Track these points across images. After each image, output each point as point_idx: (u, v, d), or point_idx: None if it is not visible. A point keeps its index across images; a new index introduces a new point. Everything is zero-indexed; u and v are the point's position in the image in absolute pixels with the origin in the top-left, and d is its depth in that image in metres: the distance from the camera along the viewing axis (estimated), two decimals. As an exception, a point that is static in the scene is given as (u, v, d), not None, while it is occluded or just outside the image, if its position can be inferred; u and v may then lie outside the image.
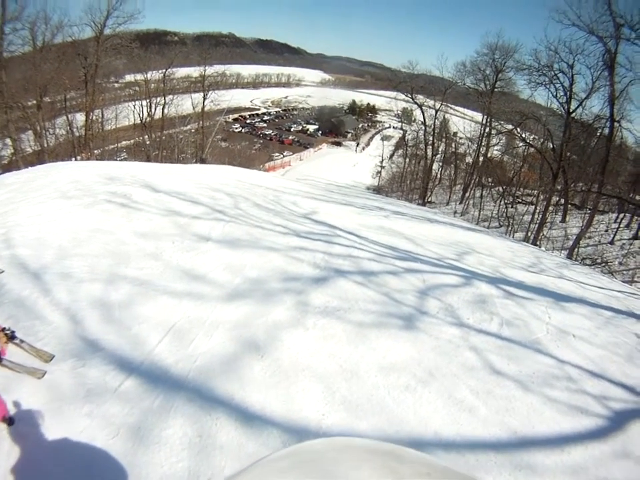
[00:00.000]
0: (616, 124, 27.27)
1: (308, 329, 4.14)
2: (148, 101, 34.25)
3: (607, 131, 28.26)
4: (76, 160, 23.02)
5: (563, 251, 21.39)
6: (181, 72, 40.74)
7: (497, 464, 3.01)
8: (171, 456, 2.60)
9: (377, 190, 40.69)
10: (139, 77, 35.80)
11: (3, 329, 3.06)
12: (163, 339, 3.62)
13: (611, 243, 24.47)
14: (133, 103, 35.07)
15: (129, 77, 40.14)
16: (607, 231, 25.96)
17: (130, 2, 31.24)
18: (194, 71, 41.22)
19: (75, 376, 3.02)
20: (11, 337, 3.08)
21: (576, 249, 21.93)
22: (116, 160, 26.66)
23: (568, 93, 28.66)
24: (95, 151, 30.07)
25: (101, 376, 3.07)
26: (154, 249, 5.20)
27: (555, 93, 29.44)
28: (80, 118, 30.25)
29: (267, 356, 3.65)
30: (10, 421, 2.54)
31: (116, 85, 41.94)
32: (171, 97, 35.13)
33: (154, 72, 35.19)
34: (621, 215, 26.51)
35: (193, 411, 2.96)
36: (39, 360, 3.08)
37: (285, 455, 0.68)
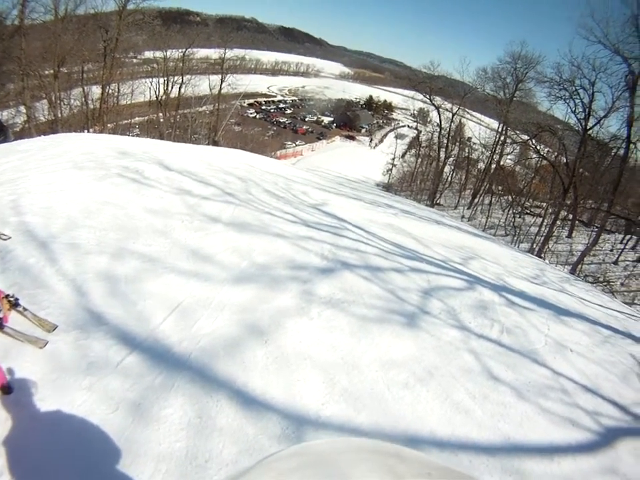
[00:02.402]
0: (632, 146, 27.14)
1: (312, 319, 4.15)
2: (165, 79, 34.22)
3: (622, 151, 28.15)
4: (89, 132, 23.02)
5: (566, 266, 21.35)
6: (201, 53, 40.64)
7: (489, 467, 3.04)
8: (170, 435, 2.59)
9: (387, 187, 40.65)
10: (158, 54, 35.73)
11: (7, 296, 3.03)
12: (168, 317, 3.60)
13: (615, 263, 24.40)
14: (150, 79, 34.97)
15: (148, 54, 39.84)
16: (611, 250, 25.88)
17: (155, -22, 31.07)
18: (214, 53, 41.03)
19: (77, 348, 2.99)
20: (15, 304, 3.05)
21: (579, 265, 21.91)
22: (128, 135, 26.63)
23: (587, 110, 28.53)
24: (109, 125, 30.07)
25: (104, 350, 3.04)
26: (163, 226, 5.17)
27: (573, 108, 29.35)
28: (96, 90, 30.21)
29: (270, 342, 3.66)
30: (8, 390, 2.51)
31: (134, 60, 41.66)
32: (188, 76, 35.15)
33: (173, 50, 35.15)
34: (627, 236, 26.43)
35: (194, 392, 2.94)
36: (42, 329, 3.04)
37: (292, 454, 0.68)
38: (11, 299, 3.04)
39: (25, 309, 3.10)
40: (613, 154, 30.45)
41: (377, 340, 4.10)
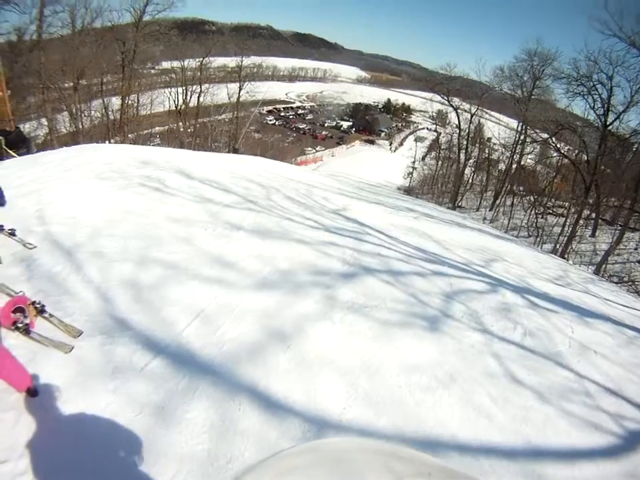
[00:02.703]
0: (653, 140, 26.57)
1: (335, 324, 4.19)
2: (184, 88, 34.70)
3: (643, 146, 27.59)
4: (110, 143, 23.44)
5: (590, 266, 20.98)
6: (218, 61, 41.09)
7: (509, 471, 3.03)
8: (192, 437, 2.65)
9: (408, 191, 40.43)
10: (176, 64, 36.24)
11: (33, 302, 3.13)
12: (192, 322, 3.67)
13: (640, 262, 23.86)
14: (169, 89, 35.54)
15: (166, 64, 40.44)
16: (636, 249, 25.29)
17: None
18: (230, 61, 41.37)
19: (102, 352, 3.06)
20: (41, 311, 3.15)
21: (604, 265, 21.50)
22: (149, 145, 27.05)
23: (606, 105, 27.96)
24: (129, 135, 30.60)
25: (128, 354, 3.11)
26: (186, 234, 5.28)
27: (592, 104, 28.76)
28: (115, 102, 30.89)
29: (293, 347, 3.71)
30: (34, 393, 2.57)
31: (152, 71, 42.36)
32: (206, 85, 35.54)
33: (191, 60, 35.59)
34: (653, 234, 25.84)
35: (217, 395, 3.00)
36: (67, 335, 3.11)
37: (305, 450, 0.70)
38: (37, 306, 3.15)
39: (51, 315, 3.20)
40: (634, 149, 29.83)
41: (398, 344, 4.13)
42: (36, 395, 2.59)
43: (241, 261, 4.97)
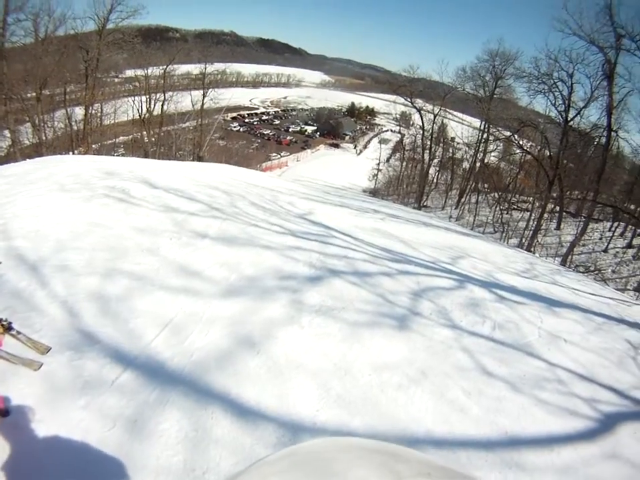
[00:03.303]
0: (613, 133, 27.58)
1: (303, 327, 4.17)
2: (147, 96, 34.18)
3: (604, 140, 28.56)
4: (74, 154, 22.95)
5: (556, 258, 21.53)
6: (182, 69, 40.64)
7: (488, 462, 3.06)
8: (167, 449, 2.61)
9: (373, 193, 40.90)
10: (139, 72, 35.78)
11: (0, 320, 3.06)
12: (160, 333, 3.63)
13: (605, 251, 24.67)
14: (133, 98, 34.94)
15: (129, 72, 39.97)
16: (600, 239, 26.15)
17: (134, -3, 31.27)
18: (194, 69, 41.10)
19: (71, 368, 3.02)
20: (8, 328, 3.01)
21: (570, 256, 22.13)
22: (113, 155, 26.60)
23: (566, 102, 28.98)
24: (93, 146, 30.00)
25: (98, 368, 3.07)
26: (151, 244, 5.20)
27: (553, 101, 29.81)
28: (79, 112, 30.26)
29: (262, 352, 3.68)
30: (5, 413, 2.52)
31: (116, 79, 41.78)
32: (170, 93, 35.11)
33: (154, 68, 35.16)
34: (615, 224, 26.71)
35: (189, 405, 2.97)
36: (36, 351, 3.05)
37: (283, 456, 0.69)
38: (4, 323, 3.02)
39: (18, 332, 3.09)
40: (595, 143, 30.86)
41: (368, 344, 4.13)
42: (7, 415, 2.53)
43: (207, 269, 4.91)
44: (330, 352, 3.89)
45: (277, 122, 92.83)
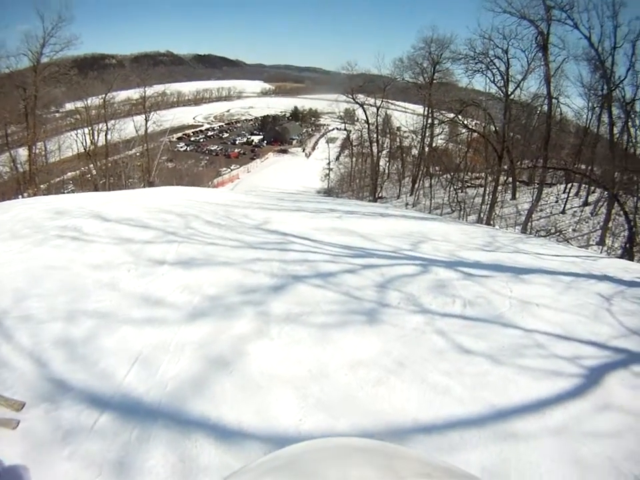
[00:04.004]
0: (554, 100, 28.62)
1: (273, 338, 4.13)
2: (90, 128, 33.55)
3: (545, 108, 29.54)
4: (23, 197, 22.25)
5: (517, 227, 22.10)
6: (121, 95, 40.20)
7: (481, 438, 3.07)
8: (158, 484, 2.58)
9: (328, 192, 41.18)
10: (79, 104, 35.23)
11: None
12: (131, 369, 3.58)
13: (563, 212, 25.55)
14: (75, 131, 34.30)
15: (69, 105, 39.36)
16: (557, 201, 27.07)
17: (66, 28, 30.65)
18: (134, 93, 40.50)
19: (49, 420, 2.98)
20: None
21: (529, 223, 22.76)
22: (63, 193, 25.86)
23: (505, 77, 30.05)
24: (42, 186, 29.22)
25: (75, 416, 3.03)
26: (110, 279, 5.10)
27: (492, 78, 30.85)
28: (23, 152, 29.50)
29: (235, 371, 3.64)
30: None
31: (57, 114, 41.10)
32: (112, 122, 34.46)
33: (94, 98, 34.52)
34: (569, 185, 27.65)
35: (172, 437, 2.94)
36: (10, 409, 3.01)
37: (274, 458, 0.69)
38: None
39: None
40: (538, 112, 31.92)
41: (341, 344, 4.10)
42: None
43: (169, 295, 4.82)
44: (304, 358, 3.86)
45: (220, 137, 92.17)
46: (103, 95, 34.44)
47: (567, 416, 3.34)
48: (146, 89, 37.57)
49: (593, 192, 25.99)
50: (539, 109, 31.67)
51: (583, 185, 27.13)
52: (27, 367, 3.46)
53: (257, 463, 0.67)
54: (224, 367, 3.67)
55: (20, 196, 23.89)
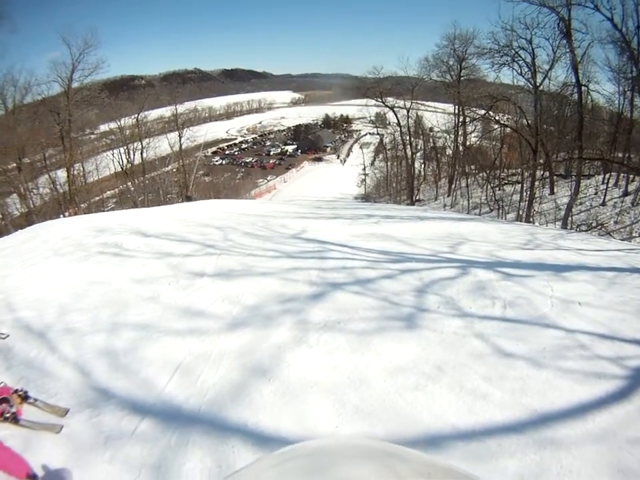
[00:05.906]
0: (583, 88, 27.71)
1: (312, 346, 4.17)
2: (125, 147, 34.50)
3: (575, 96, 28.64)
4: (64, 216, 23.11)
5: (557, 222, 21.45)
6: (153, 114, 41.19)
7: (521, 445, 2.98)
8: (194, 488, 2.66)
9: (365, 198, 41.00)
10: (113, 125, 36.22)
11: (16, 391, 3.21)
12: (172, 378, 3.72)
13: (603, 204, 24.54)
14: (112, 151, 35.34)
15: (103, 127, 40.57)
16: (596, 193, 26.03)
17: (92, 53, 31.79)
18: (166, 111, 41.55)
19: (91, 425, 3.14)
20: (25, 397, 3.23)
21: (569, 218, 22.00)
22: (104, 210, 26.77)
23: (532, 68, 29.23)
24: (82, 205, 30.27)
25: (117, 422, 3.19)
26: (151, 292, 5.31)
27: (519, 70, 30.08)
28: (61, 174, 30.78)
29: (274, 378, 3.70)
30: (34, 478, 2.62)
31: (92, 136, 42.35)
32: (147, 140, 35.43)
33: (126, 118, 35.53)
34: (607, 175, 26.60)
35: (210, 443, 3.03)
36: (55, 415, 3.21)
37: (280, 454, 0.71)
38: (21, 393, 3.23)
39: (35, 400, 3.28)
40: (569, 102, 30.96)
41: (379, 350, 4.10)
42: (35, 479, 2.64)
43: (209, 306, 4.97)
44: (342, 365, 3.88)
45: (254, 149, 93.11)
46: (136, 115, 35.49)
47: (611, 420, 3.19)
48: (177, 106, 38.38)
49: (632, 180, 24.88)
50: (570, 97, 30.67)
51: (622, 174, 26.05)
52: (71, 376, 3.67)
53: (257, 462, 0.71)
54: (263, 375, 3.75)
55: (61, 215, 24.76)
